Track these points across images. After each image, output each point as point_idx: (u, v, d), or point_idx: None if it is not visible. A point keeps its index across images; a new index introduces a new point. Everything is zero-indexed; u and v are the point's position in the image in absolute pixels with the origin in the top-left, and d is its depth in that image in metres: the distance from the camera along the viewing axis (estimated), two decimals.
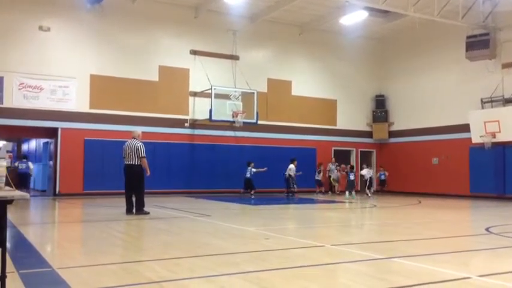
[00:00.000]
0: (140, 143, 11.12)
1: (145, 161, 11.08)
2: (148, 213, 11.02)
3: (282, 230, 9.31)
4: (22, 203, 13.08)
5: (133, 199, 11.18)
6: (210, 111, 18.24)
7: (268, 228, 9.03)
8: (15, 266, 5.03)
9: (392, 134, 23.47)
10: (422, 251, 6.44)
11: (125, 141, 11.48)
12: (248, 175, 17.95)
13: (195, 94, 19.56)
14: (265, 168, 18.18)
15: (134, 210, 11.06)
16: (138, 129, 11.90)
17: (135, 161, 11.02)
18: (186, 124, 19.38)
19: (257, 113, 19.12)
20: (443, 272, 5.11)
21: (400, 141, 22.98)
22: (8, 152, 20.98)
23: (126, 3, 18.46)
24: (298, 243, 7.08)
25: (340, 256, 6.13)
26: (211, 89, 18.41)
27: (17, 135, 19.25)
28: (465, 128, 19.42)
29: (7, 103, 16.43)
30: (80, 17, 17.68)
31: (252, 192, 17.97)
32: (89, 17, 17.76)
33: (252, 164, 18.10)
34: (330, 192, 20.84)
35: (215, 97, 18.42)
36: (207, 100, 18.69)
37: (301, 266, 5.33)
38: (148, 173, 11.24)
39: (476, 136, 19.05)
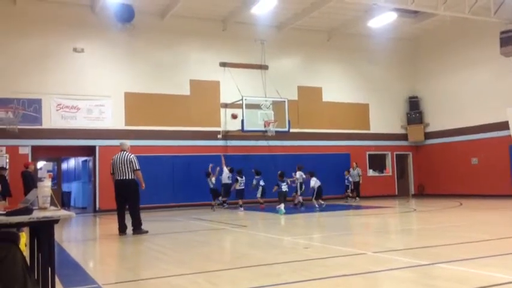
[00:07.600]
0: (133, 155, 10.24)
1: (140, 173, 10.23)
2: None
3: (320, 238, 9.22)
4: (65, 221, 13.42)
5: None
6: (242, 121, 18.34)
7: (305, 237, 8.96)
8: (62, 284, 5.17)
9: (428, 135, 22.99)
10: (468, 255, 6.26)
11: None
12: (211, 186, 16.96)
13: (226, 106, 19.72)
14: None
15: (132, 230, 10.11)
16: (127, 142, 10.98)
17: (129, 175, 10.11)
18: (219, 136, 19.53)
19: (289, 121, 19.10)
20: (491, 275, 4.96)
21: (436, 142, 22.47)
22: (48, 171, 21.50)
23: (155, 21, 18.83)
24: (338, 251, 6.99)
25: (383, 263, 6.01)
26: (242, 99, 18.53)
27: (57, 155, 19.78)
28: (504, 125, 18.84)
29: (46, 124, 16.96)
30: (111, 37, 18.14)
31: (214, 202, 17.11)
32: (121, 36, 18.19)
33: (211, 175, 16.96)
34: (357, 198, 20.40)
35: (246, 107, 18.51)
36: (238, 111, 18.82)
37: (343, 275, 5.24)
38: (143, 186, 10.28)
39: None
